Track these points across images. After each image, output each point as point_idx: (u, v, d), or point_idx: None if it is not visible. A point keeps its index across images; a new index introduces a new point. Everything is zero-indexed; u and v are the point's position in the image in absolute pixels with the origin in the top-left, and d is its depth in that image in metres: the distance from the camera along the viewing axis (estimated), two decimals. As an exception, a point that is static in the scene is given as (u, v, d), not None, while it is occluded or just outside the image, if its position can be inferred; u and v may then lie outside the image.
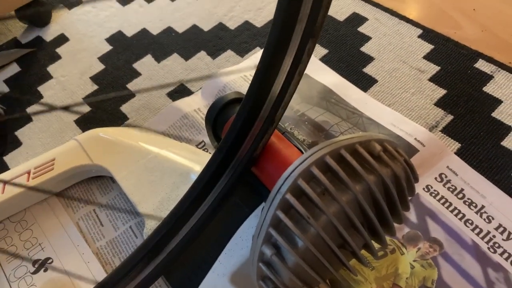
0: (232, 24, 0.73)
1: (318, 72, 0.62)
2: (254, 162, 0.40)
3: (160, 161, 0.53)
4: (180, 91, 0.66)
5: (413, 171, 0.36)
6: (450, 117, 0.56)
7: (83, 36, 0.77)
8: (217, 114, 0.45)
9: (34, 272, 0.50)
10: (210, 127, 0.46)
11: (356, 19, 0.69)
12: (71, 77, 0.71)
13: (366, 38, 0.66)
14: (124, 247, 0.51)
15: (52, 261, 0.51)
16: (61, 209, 0.55)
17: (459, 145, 0.53)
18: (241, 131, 0.37)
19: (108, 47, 0.74)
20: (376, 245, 0.36)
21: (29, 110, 0.68)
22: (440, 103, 0.57)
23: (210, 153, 0.57)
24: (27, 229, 0.54)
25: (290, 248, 0.31)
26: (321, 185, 0.31)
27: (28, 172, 0.54)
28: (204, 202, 0.40)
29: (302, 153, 0.40)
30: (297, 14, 0.29)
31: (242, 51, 0.69)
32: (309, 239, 0.31)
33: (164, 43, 0.73)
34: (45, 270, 0.50)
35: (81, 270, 0.50)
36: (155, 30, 0.75)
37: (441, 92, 0.58)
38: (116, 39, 0.75)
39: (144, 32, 0.75)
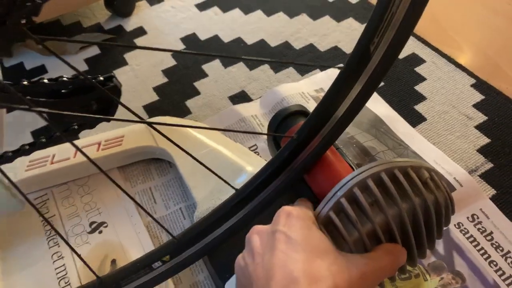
0: (297, 44, 0.79)
1: (372, 101, 0.66)
2: (307, 171, 0.45)
3: (216, 155, 0.59)
4: (240, 97, 0.71)
5: (452, 203, 0.40)
6: (490, 165, 0.59)
7: (160, 32, 0.84)
8: (280, 122, 0.50)
9: (90, 232, 0.56)
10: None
11: (414, 59, 0.74)
12: (144, 67, 0.78)
13: (421, 79, 0.71)
14: (172, 226, 0.57)
15: (107, 226, 0.57)
16: (121, 182, 0.61)
17: (495, 191, 0.56)
18: (301, 142, 0.42)
19: (181, 46, 0.81)
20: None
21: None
22: (482, 150, 0.61)
23: (261, 156, 0.62)
24: (88, 194, 0.60)
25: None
26: (372, 197, 0.35)
27: (99, 143, 0.61)
28: (256, 198, 0.45)
29: (353, 168, 0.45)
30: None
31: (303, 71, 0.74)
32: (353, 242, 0.35)
33: (233, 51, 0.79)
34: (100, 232, 0.56)
35: (132, 238, 0.56)
36: (226, 38, 0.81)
37: (485, 140, 0.62)
38: (190, 40, 0.82)
39: (216, 38, 0.82)
